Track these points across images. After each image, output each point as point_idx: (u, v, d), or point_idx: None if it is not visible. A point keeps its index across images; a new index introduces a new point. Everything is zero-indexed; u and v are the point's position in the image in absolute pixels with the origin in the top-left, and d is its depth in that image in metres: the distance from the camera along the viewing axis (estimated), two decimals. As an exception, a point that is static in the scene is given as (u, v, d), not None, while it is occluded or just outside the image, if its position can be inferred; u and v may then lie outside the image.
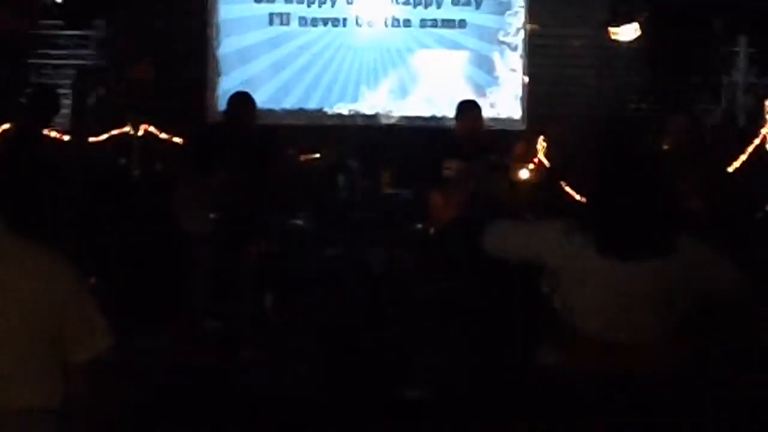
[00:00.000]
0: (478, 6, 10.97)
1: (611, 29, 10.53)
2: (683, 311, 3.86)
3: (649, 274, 3.79)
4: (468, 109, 8.12)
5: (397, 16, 10.93)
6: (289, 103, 10.90)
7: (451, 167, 7.67)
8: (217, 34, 10.88)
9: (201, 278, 7.27)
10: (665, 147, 7.55)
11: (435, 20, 10.95)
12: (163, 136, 10.15)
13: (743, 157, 9.86)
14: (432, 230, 7.59)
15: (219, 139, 7.62)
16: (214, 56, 10.87)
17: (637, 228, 3.82)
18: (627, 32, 10.49)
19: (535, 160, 9.91)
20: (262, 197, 7.45)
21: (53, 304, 3.39)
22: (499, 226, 4.19)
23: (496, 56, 10.98)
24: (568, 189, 9.89)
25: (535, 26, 10.93)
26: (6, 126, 9.10)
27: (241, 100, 7.88)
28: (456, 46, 10.97)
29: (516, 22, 10.97)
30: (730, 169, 9.57)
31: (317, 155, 10.00)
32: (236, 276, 7.44)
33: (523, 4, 10.96)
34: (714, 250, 3.93)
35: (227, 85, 10.62)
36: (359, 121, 10.91)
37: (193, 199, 7.24)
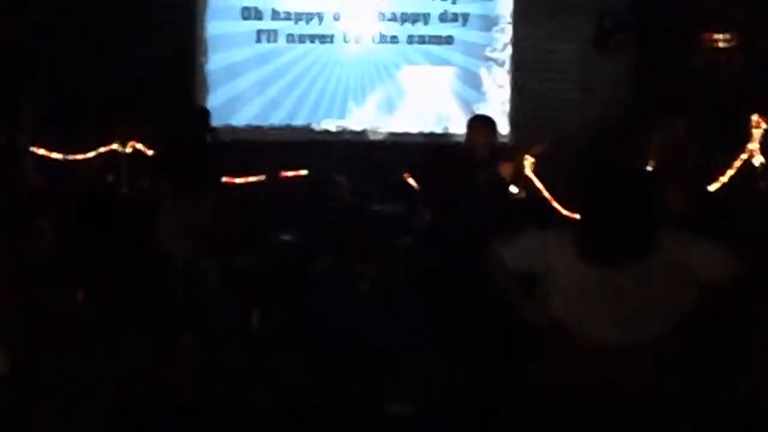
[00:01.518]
0: (465, 22, 11.00)
1: (597, 44, 10.56)
2: (681, 309, 3.86)
3: (635, 277, 3.81)
4: (476, 123, 7.90)
5: (384, 33, 10.95)
6: (276, 119, 10.92)
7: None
8: (205, 50, 10.89)
9: (181, 293, 7.25)
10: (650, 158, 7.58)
11: (422, 36, 10.97)
12: (151, 153, 10.14)
13: (730, 172, 9.89)
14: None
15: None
16: (202, 72, 10.87)
17: (618, 234, 3.84)
18: (613, 47, 10.52)
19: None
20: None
21: None
22: (500, 242, 4.21)
23: (483, 72, 11.01)
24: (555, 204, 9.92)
25: (522, 42, 10.95)
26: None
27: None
28: (443, 62, 11.00)
29: (503, 38, 11.00)
30: (718, 184, 9.61)
31: (305, 171, 10.04)
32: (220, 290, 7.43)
33: (509, 20, 11.00)
34: (700, 238, 3.94)
35: (215, 101, 10.63)
36: (347, 137, 10.91)
37: (182, 225, 7.22)
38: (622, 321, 3.84)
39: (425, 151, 9.46)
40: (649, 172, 7.23)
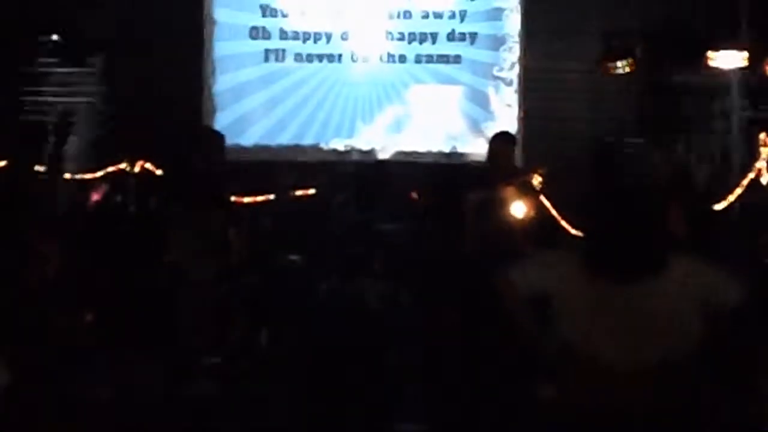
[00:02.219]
0: (473, 41, 11.02)
1: (605, 63, 10.58)
2: (691, 332, 3.86)
3: (646, 295, 3.81)
4: (498, 139, 7.88)
5: (392, 52, 10.98)
6: (284, 138, 10.94)
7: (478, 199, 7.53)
8: (213, 70, 10.93)
9: (197, 313, 7.24)
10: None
11: (430, 56, 11.00)
12: (159, 172, 10.16)
13: (738, 191, 9.89)
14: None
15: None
16: (210, 92, 10.90)
17: (628, 250, 3.84)
18: (621, 66, 10.54)
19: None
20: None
21: None
22: (513, 267, 4.20)
23: (491, 91, 11.02)
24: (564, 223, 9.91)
25: (530, 61, 10.97)
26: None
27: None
28: (451, 81, 11.01)
29: (511, 57, 11.01)
30: (725, 203, 9.61)
31: (313, 190, 10.04)
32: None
33: (517, 39, 11.02)
34: (709, 262, 3.94)
35: (223, 121, 10.66)
36: (355, 157, 10.92)
37: (193, 243, 7.21)
38: (632, 342, 3.83)
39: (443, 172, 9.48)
40: (656, 189, 7.22)
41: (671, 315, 3.83)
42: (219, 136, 7.78)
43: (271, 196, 10.26)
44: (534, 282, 4.02)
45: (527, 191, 7.34)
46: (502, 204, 7.26)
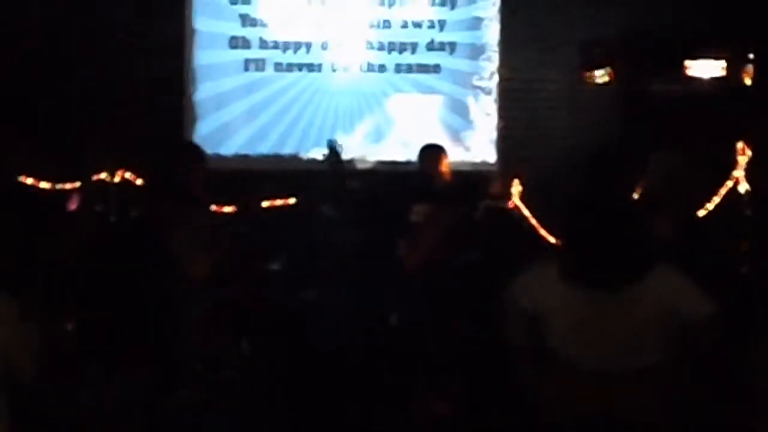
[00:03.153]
0: (452, 51, 11.06)
1: (584, 72, 10.64)
2: (665, 338, 3.89)
3: (623, 302, 3.85)
4: (427, 153, 8.15)
5: (372, 62, 11.01)
6: (264, 148, 10.96)
7: (419, 213, 7.70)
8: (193, 79, 10.93)
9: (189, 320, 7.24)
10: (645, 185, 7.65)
11: (410, 65, 11.03)
12: (140, 182, 10.14)
13: (716, 199, 9.94)
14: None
15: None
16: (190, 102, 10.91)
17: (608, 258, 3.88)
18: (600, 75, 10.60)
19: (510, 203, 9.96)
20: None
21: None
22: (514, 286, 4.24)
23: (470, 100, 11.06)
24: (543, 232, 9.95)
25: (509, 70, 11.01)
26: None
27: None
28: (431, 90, 11.05)
29: (490, 66, 11.06)
30: (704, 211, 9.65)
31: (293, 200, 10.05)
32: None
33: (496, 48, 11.06)
34: (686, 277, 3.98)
35: (203, 130, 10.67)
36: (336, 166, 10.94)
37: (192, 241, 7.22)
38: (612, 349, 3.87)
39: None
40: (633, 199, 7.29)
41: (651, 323, 3.87)
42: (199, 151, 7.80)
43: (242, 206, 10.22)
44: (524, 299, 4.06)
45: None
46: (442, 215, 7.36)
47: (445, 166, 8.12)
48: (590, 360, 3.90)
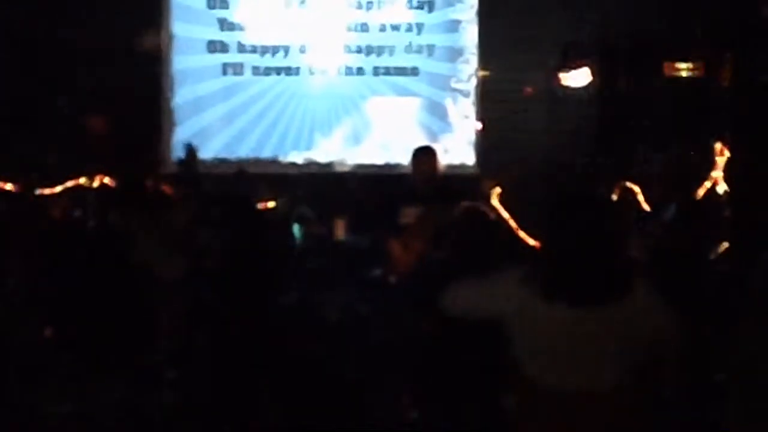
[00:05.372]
0: (430, 53, 11.07)
1: (562, 75, 10.67)
2: (635, 360, 3.86)
3: (601, 320, 3.77)
4: (422, 154, 8.22)
5: (350, 65, 11.01)
6: (243, 152, 10.95)
7: (408, 214, 7.73)
8: (172, 84, 10.92)
9: (163, 325, 7.22)
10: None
11: (388, 68, 11.03)
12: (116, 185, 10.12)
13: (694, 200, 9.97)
14: (392, 278, 7.66)
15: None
16: (169, 106, 10.90)
17: (588, 274, 3.81)
18: (578, 78, 10.63)
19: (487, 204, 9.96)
20: None
21: None
22: (457, 287, 4.20)
23: (448, 103, 11.07)
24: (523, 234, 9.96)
25: (487, 73, 11.03)
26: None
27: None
28: (409, 93, 11.05)
29: (468, 68, 11.07)
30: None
31: (272, 203, 10.03)
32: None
33: (474, 51, 11.07)
34: (662, 299, 3.94)
35: (182, 134, 10.65)
36: (314, 169, 10.94)
37: (160, 243, 7.20)
38: (585, 367, 3.82)
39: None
40: (614, 203, 7.35)
41: (621, 344, 3.82)
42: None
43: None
44: (489, 304, 4.00)
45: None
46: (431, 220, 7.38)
47: (436, 168, 8.17)
48: (562, 378, 3.85)
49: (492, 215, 7.48)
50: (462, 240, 6.44)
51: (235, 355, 6.51)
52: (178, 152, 8.44)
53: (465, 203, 7.32)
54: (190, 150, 7.90)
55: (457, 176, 10.41)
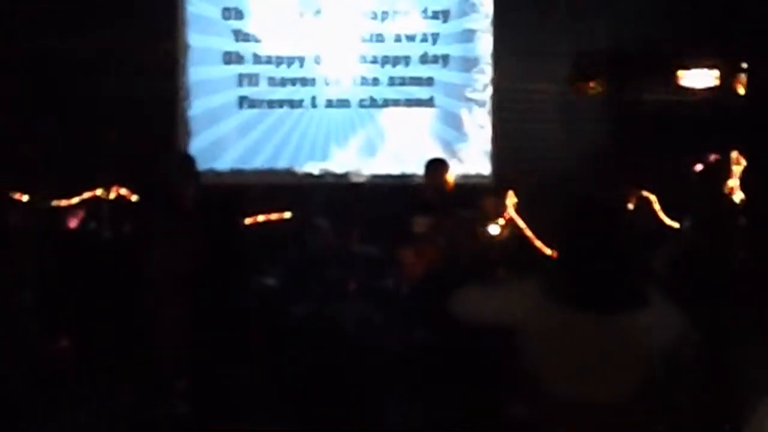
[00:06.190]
0: (445, 64, 11.06)
1: (577, 84, 10.66)
2: (651, 371, 3.83)
3: (617, 329, 3.74)
4: (435, 165, 8.28)
5: (365, 75, 11.01)
6: (258, 162, 10.95)
7: (421, 224, 7.76)
8: (187, 95, 10.94)
9: (171, 336, 7.24)
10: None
11: (403, 78, 11.03)
12: (135, 198, 10.16)
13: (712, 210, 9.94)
14: (404, 287, 7.67)
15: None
16: (184, 117, 10.92)
17: (604, 281, 3.79)
18: (593, 87, 10.62)
19: (506, 215, 9.96)
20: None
21: None
22: (468, 294, 4.17)
23: (464, 113, 11.06)
24: (538, 243, 9.95)
25: (502, 82, 11.02)
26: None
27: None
28: (424, 103, 11.04)
29: (483, 78, 11.06)
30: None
31: (287, 214, 10.04)
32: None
33: (489, 60, 11.06)
34: (679, 310, 3.91)
35: (197, 145, 10.67)
36: (329, 180, 10.94)
37: (171, 247, 7.23)
38: (601, 377, 3.78)
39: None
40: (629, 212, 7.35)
41: (641, 351, 3.79)
42: (191, 160, 7.83)
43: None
44: (504, 312, 3.97)
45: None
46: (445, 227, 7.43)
47: (448, 180, 8.25)
48: (568, 387, 3.82)
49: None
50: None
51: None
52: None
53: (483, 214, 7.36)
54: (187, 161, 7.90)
55: (472, 186, 10.42)
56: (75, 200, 10.21)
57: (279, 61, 11.00)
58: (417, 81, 11.05)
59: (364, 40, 11.04)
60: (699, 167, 10.25)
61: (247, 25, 11.00)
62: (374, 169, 11.00)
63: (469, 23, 11.10)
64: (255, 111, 10.96)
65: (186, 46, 10.96)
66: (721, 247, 8.57)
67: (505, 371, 4.31)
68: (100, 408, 6.37)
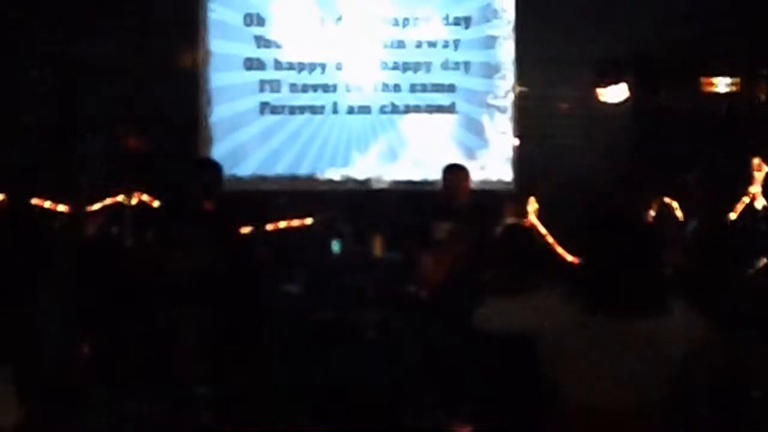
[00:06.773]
0: (467, 70, 11.05)
1: (599, 90, 10.64)
2: (674, 376, 3.82)
3: (642, 335, 3.74)
4: (452, 170, 8.28)
5: (386, 81, 11.01)
6: (280, 169, 10.95)
7: (441, 230, 7.76)
8: (209, 101, 10.96)
9: (189, 343, 7.25)
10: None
11: (424, 84, 11.02)
12: (156, 204, 10.18)
13: (733, 215, 9.91)
14: (423, 293, 7.67)
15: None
16: (206, 123, 10.93)
17: (629, 287, 3.78)
18: (615, 93, 10.60)
19: (527, 221, 9.96)
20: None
21: None
22: (491, 305, 4.18)
23: (485, 119, 11.04)
24: (560, 250, 9.93)
25: (524, 89, 11.01)
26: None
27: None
28: (446, 109, 11.03)
29: (504, 84, 11.04)
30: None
31: (309, 220, 10.05)
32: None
33: (511, 67, 11.05)
34: (700, 315, 3.90)
35: (219, 151, 10.69)
36: (351, 186, 10.94)
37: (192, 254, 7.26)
38: (627, 384, 3.77)
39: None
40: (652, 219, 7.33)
41: (665, 356, 3.78)
42: (217, 167, 7.86)
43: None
44: (528, 322, 3.96)
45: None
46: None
47: (467, 185, 8.25)
48: (593, 395, 3.81)
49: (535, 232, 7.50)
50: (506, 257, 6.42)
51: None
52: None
53: (509, 220, 7.35)
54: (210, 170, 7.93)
55: (493, 192, 10.42)
56: (97, 206, 10.23)
57: (300, 67, 11.01)
58: (438, 87, 11.04)
59: (385, 47, 11.04)
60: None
61: (268, 32, 11.01)
62: (395, 175, 10.99)
63: (490, 30, 11.08)
64: (277, 117, 10.97)
65: (207, 52, 10.98)
66: (723, 252, 8.56)
67: (526, 377, 4.28)
68: (121, 414, 6.38)
